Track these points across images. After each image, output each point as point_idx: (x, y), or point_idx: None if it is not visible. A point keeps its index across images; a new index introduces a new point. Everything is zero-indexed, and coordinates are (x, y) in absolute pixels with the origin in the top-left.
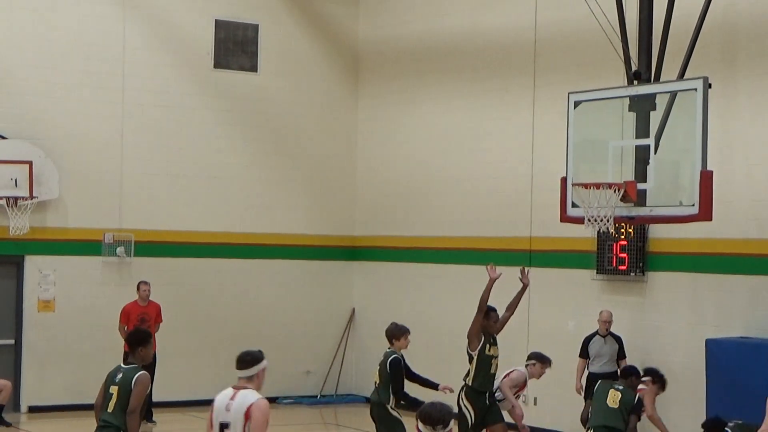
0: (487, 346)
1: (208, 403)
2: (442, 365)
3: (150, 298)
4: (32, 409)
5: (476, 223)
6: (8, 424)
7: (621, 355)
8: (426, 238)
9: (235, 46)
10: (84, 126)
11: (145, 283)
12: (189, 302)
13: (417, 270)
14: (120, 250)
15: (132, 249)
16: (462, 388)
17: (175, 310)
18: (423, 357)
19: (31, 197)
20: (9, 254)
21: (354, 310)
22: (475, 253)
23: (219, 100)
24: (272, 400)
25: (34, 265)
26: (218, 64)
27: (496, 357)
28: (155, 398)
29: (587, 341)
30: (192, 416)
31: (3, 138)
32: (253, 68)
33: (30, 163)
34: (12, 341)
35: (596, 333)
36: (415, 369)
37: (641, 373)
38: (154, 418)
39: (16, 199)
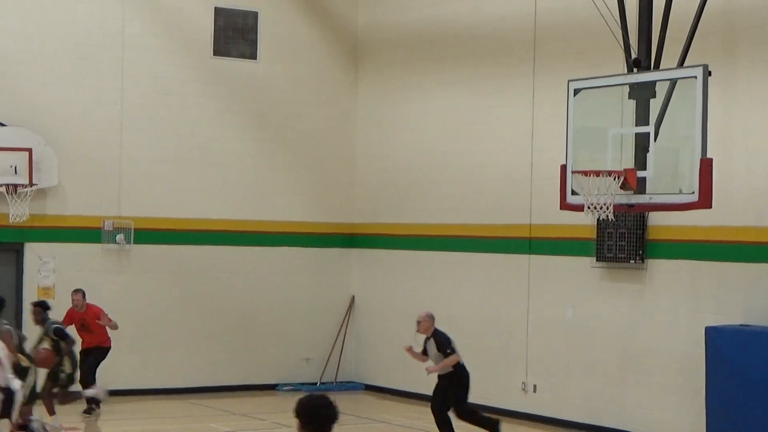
0: None
1: (207, 390)
2: None
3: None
4: None
5: (476, 210)
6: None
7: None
8: (425, 225)
9: (235, 34)
10: (83, 113)
11: (76, 291)
12: (188, 289)
13: (416, 257)
14: (119, 237)
15: (131, 236)
16: None
17: (173, 297)
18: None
19: (31, 184)
20: (9, 241)
21: (353, 297)
22: (475, 240)
23: (218, 88)
24: (271, 387)
25: (33, 252)
26: (218, 52)
27: None
28: (151, 385)
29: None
30: (190, 403)
31: (2, 125)
32: (253, 56)
33: (30, 150)
34: None
35: None
36: (410, 358)
37: None
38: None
39: (15, 186)
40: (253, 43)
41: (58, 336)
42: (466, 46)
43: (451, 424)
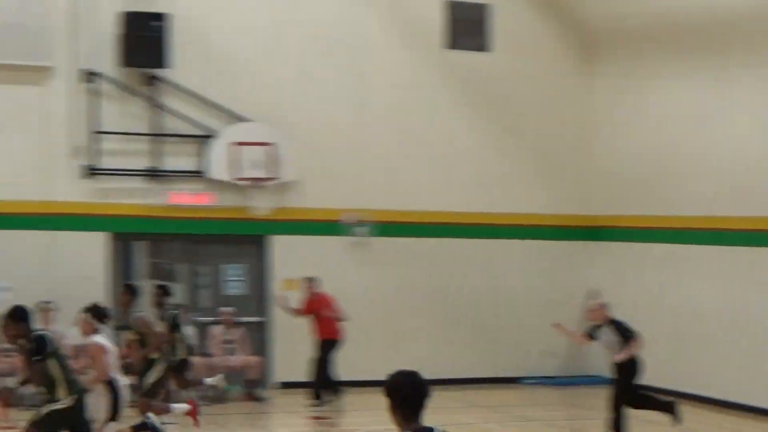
0: None
1: (445, 382)
2: (683, 345)
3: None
4: (284, 385)
5: (718, 201)
6: (262, 399)
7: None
8: (668, 217)
9: (466, 26)
10: (322, 109)
11: (309, 279)
12: (428, 282)
13: (657, 250)
14: (360, 230)
15: (372, 229)
16: None
17: (414, 289)
18: (664, 339)
19: (274, 178)
20: (254, 234)
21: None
22: (717, 233)
23: (451, 81)
24: (514, 381)
25: (277, 244)
26: (450, 45)
27: None
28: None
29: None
30: (435, 395)
31: (248, 121)
32: (485, 48)
33: (272, 145)
34: (260, 319)
35: None
36: (654, 352)
37: None
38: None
39: (259, 179)
40: (486, 36)
41: (174, 323)
42: (706, 34)
43: (646, 398)
